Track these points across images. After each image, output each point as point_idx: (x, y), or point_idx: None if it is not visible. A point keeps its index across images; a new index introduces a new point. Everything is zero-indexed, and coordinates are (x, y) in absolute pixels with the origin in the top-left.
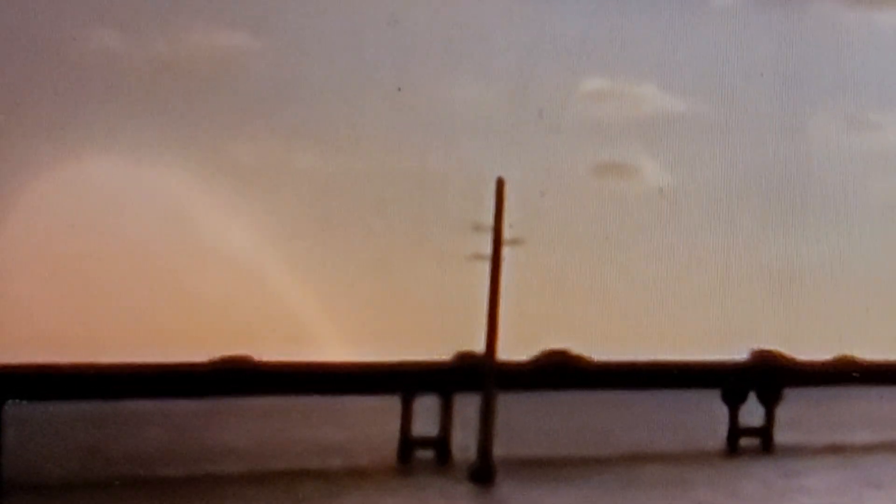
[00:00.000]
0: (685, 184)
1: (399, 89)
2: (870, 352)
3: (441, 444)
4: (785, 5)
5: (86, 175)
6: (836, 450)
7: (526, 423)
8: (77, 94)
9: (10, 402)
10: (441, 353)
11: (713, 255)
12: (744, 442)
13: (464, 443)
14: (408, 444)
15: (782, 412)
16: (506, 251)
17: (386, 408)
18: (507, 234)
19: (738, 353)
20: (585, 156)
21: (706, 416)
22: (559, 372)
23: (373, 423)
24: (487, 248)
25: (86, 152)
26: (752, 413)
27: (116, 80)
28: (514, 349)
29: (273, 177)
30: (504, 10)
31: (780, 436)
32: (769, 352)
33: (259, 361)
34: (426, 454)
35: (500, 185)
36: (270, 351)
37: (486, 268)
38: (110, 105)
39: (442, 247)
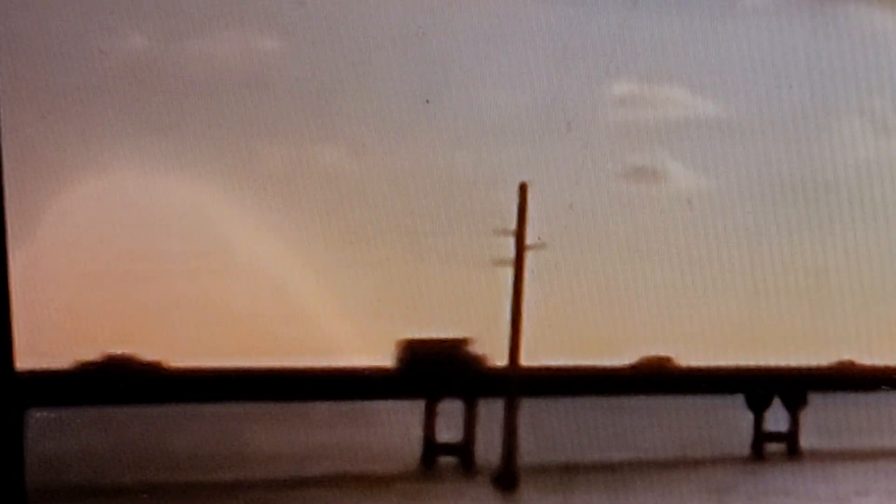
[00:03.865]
0: (714, 188)
1: (427, 101)
2: None
3: (465, 450)
4: (814, 8)
5: (115, 183)
6: (864, 454)
7: (550, 427)
8: (105, 103)
9: (33, 408)
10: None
11: (741, 259)
12: (770, 447)
13: (488, 448)
14: (431, 449)
15: (806, 417)
16: (533, 257)
17: (410, 412)
18: (533, 241)
19: (764, 359)
20: (614, 162)
21: (730, 422)
22: (585, 378)
23: (397, 427)
24: (512, 254)
25: (114, 161)
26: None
27: (145, 90)
28: (541, 355)
29: (301, 184)
30: (532, 19)
31: (805, 440)
32: None
33: (285, 367)
34: (450, 460)
35: (522, 189)
36: (297, 357)
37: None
38: (139, 113)
39: (469, 253)
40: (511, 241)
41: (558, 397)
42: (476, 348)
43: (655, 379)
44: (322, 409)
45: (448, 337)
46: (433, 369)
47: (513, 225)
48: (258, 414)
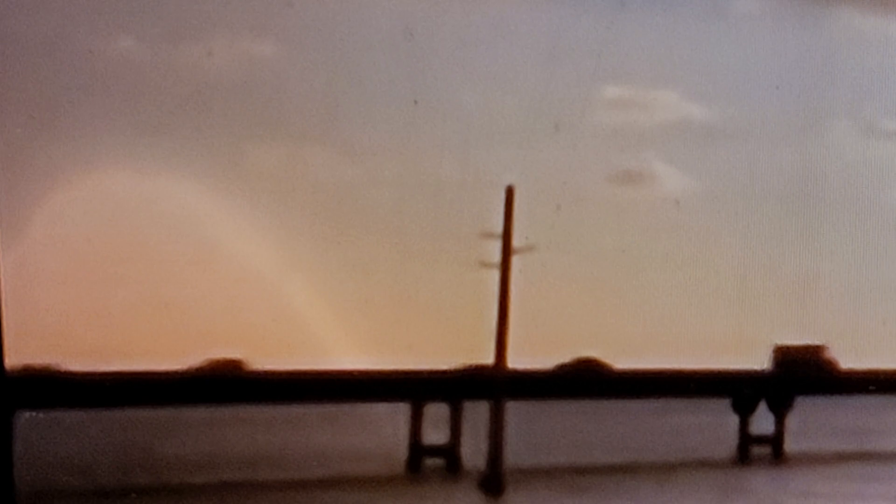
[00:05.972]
0: (703, 192)
1: (416, 102)
2: (888, 361)
3: (451, 453)
4: (805, 13)
5: (104, 184)
6: (849, 458)
7: (536, 431)
8: (95, 105)
9: (21, 410)
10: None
11: (730, 263)
12: (755, 450)
13: (476, 451)
14: (417, 452)
15: (792, 421)
16: (519, 260)
17: (394, 415)
18: (520, 242)
19: (753, 362)
20: (602, 165)
21: (713, 424)
22: (581, 379)
23: (381, 430)
24: (498, 256)
25: (104, 162)
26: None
27: (135, 90)
28: (528, 358)
29: (289, 185)
30: (520, 21)
31: (791, 444)
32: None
33: (269, 370)
34: (436, 462)
35: (509, 193)
36: (283, 358)
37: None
38: (129, 114)
39: (456, 256)
40: (498, 244)
41: (545, 399)
42: (830, 353)
43: (645, 381)
44: (308, 412)
45: (810, 343)
46: (800, 371)
47: (500, 227)
48: (239, 417)
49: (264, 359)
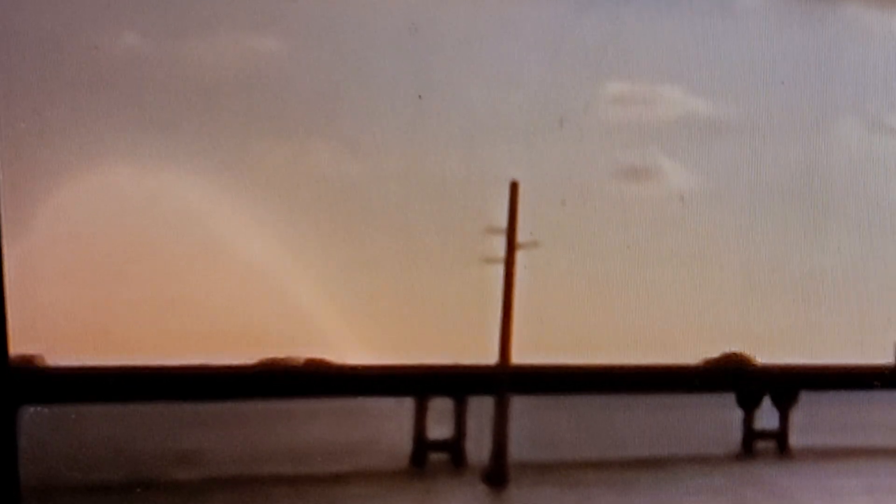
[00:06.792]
0: (708, 188)
1: (420, 97)
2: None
3: (455, 447)
4: (811, 8)
5: (108, 180)
6: (853, 453)
7: (540, 425)
8: (100, 101)
9: (25, 406)
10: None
11: (735, 260)
12: (759, 445)
13: (482, 446)
14: (422, 446)
15: (797, 416)
16: (525, 255)
17: (399, 410)
18: (525, 238)
19: (761, 358)
20: (607, 161)
21: (718, 419)
22: (576, 376)
23: (386, 425)
24: (502, 252)
25: (108, 158)
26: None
27: (139, 86)
28: (533, 354)
29: (293, 181)
30: (525, 16)
31: (795, 439)
32: None
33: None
34: (440, 457)
35: (513, 188)
36: (287, 353)
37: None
38: (133, 110)
39: (461, 251)
40: (503, 239)
41: (549, 395)
42: None
43: (647, 377)
44: (310, 406)
45: None
46: None
47: (505, 223)
48: (241, 412)
49: (268, 354)
